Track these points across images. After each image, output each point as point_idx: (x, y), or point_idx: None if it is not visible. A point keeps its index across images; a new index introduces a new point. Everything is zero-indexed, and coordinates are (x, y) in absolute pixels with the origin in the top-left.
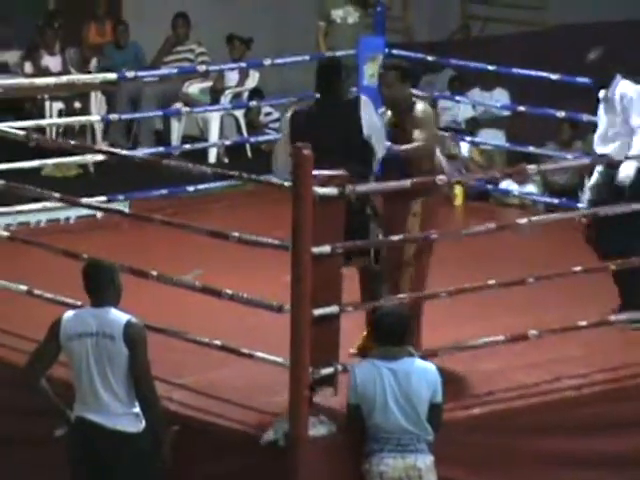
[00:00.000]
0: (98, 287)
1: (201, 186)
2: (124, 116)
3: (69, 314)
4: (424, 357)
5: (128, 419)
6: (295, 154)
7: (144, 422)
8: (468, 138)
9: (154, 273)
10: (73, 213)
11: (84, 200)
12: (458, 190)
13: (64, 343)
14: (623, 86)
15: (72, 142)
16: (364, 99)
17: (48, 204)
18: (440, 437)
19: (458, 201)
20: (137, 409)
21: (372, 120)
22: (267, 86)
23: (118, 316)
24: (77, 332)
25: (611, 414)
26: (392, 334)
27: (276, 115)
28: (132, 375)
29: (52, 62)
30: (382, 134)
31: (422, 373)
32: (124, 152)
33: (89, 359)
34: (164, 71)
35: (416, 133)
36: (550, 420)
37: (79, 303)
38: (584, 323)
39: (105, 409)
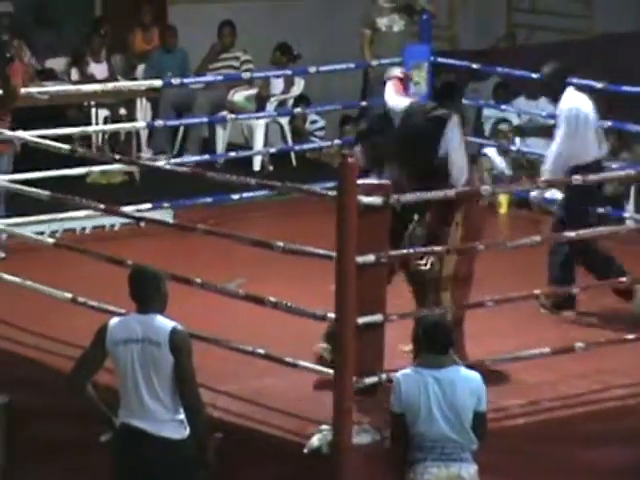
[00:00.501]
0: (144, 294)
1: (246, 194)
2: (169, 123)
3: (115, 320)
4: (469, 366)
5: (173, 426)
6: (340, 163)
7: (188, 429)
8: (513, 147)
9: (198, 280)
10: (118, 220)
11: (127, 209)
12: (503, 198)
13: (110, 349)
14: None
15: (115, 155)
16: (454, 119)
17: (93, 211)
18: (484, 446)
19: (503, 209)
20: (182, 416)
21: (452, 142)
22: (312, 93)
23: (164, 323)
24: (123, 338)
25: None
26: (437, 342)
27: (321, 123)
28: (177, 382)
29: (98, 69)
30: (459, 158)
31: (466, 382)
32: (167, 165)
33: (134, 365)
34: (209, 78)
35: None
36: (595, 430)
37: (123, 310)
38: (632, 336)
39: (150, 415)
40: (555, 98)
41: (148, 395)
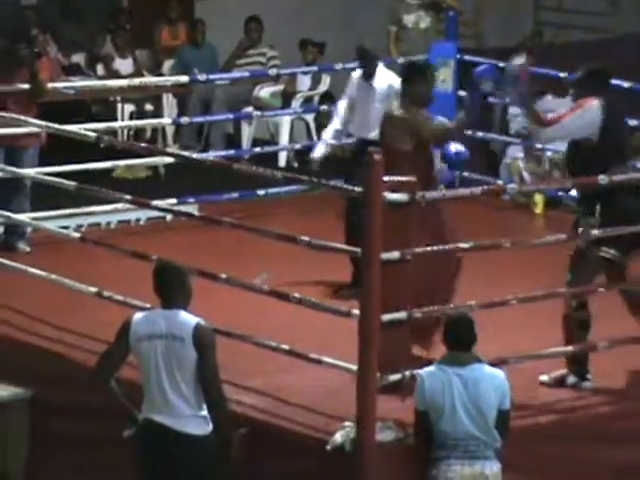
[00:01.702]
0: (168, 289)
1: (271, 190)
2: (195, 119)
3: (139, 315)
4: (493, 364)
5: (196, 422)
6: (367, 160)
7: (211, 425)
8: (538, 145)
9: (223, 276)
10: (143, 215)
11: (154, 202)
12: (539, 198)
13: (133, 344)
14: None
15: (142, 144)
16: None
17: (119, 206)
18: (508, 444)
19: (539, 209)
20: (205, 412)
21: None
22: (338, 90)
23: (188, 318)
24: (147, 333)
25: None
26: (460, 340)
27: None
28: (200, 378)
29: (124, 64)
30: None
31: (490, 379)
32: (194, 155)
33: (158, 361)
34: (236, 74)
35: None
36: (618, 430)
37: (148, 305)
38: None
39: (173, 411)
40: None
41: (171, 391)
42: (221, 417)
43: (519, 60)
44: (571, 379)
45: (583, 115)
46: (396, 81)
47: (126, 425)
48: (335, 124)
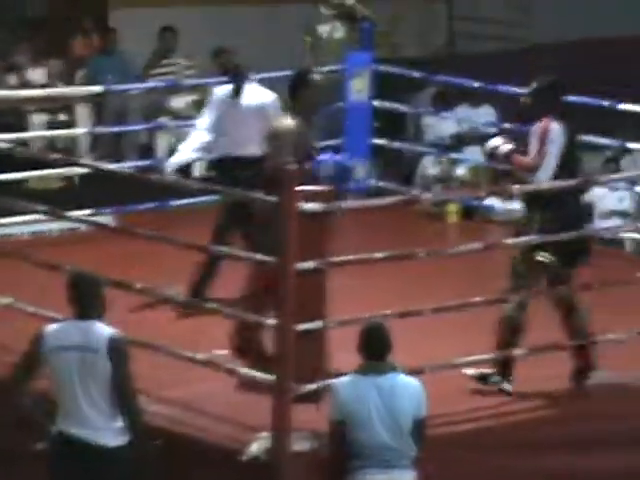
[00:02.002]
0: (83, 300)
1: (187, 200)
2: (110, 129)
3: (52, 326)
4: (409, 373)
5: (111, 433)
6: (281, 170)
7: (127, 437)
8: (453, 154)
9: (138, 286)
10: (57, 226)
11: (70, 213)
12: (453, 208)
13: (47, 356)
14: None
15: (55, 155)
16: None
17: (32, 217)
18: (426, 453)
19: (453, 219)
20: (120, 423)
21: None
22: None
23: (102, 330)
24: (60, 345)
25: (597, 432)
26: (376, 349)
27: None
28: (115, 389)
29: (36, 74)
30: None
31: (406, 388)
32: (110, 166)
33: (72, 372)
34: (151, 84)
35: None
36: (537, 437)
37: (61, 316)
38: (571, 343)
39: (87, 423)
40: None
41: (85, 402)
42: (136, 429)
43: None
44: (494, 378)
45: (556, 143)
46: (269, 97)
47: (40, 438)
48: (201, 137)
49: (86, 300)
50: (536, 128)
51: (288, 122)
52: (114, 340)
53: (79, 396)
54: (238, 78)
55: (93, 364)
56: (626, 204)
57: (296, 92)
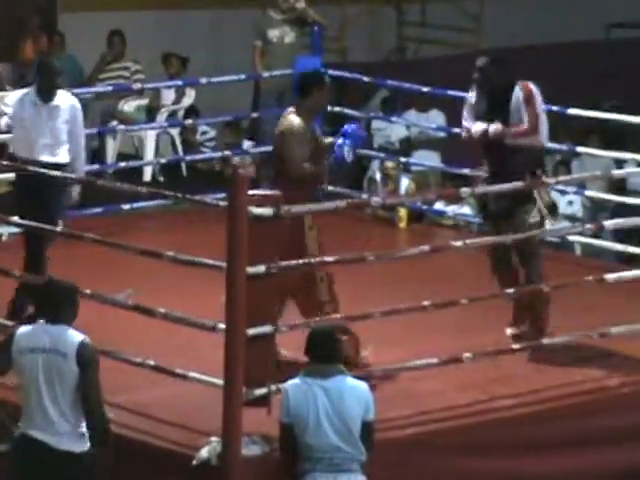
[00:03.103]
0: (57, 305)
1: (136, 205)
2: None
3: (23, 329)
4: (357, 377)
5: (74, 438)
6: (232, 174)
7: (89, 442)
8: (402, 159)
9: (87, 291)
10: (4, 231)
11: (14, 218)
12: (403, 212)
13: (15, 357)
14: None
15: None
16: None
17: None
18: (373, 457)
19: (403, 223)
20: (84, 429)
21: None
22: (203, 105)
23: (73, 335)
24: (29, 347)
25: (544, 435)
26: (324, 352)
27: (212, 134)
28: (82, 394)
29: None
30: None
31: (354, 391)
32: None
33: (38, 375)
34: (99, 88)
35: None
36: (484, 440)
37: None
38: (517, 346)
39: (51, 427)
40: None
41: (51, 406)
42: (100, 435)
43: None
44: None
45: (541, 104)
46: (75, 101)
47: (1, 439)
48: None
49: (61, 305)
50: (519, 96)
51: (297, 121)
52: (83, 346)
53: (44, 399)
54: (52, 78)
55: (61, 368)
56: (576, 208)
57: (308, 91)
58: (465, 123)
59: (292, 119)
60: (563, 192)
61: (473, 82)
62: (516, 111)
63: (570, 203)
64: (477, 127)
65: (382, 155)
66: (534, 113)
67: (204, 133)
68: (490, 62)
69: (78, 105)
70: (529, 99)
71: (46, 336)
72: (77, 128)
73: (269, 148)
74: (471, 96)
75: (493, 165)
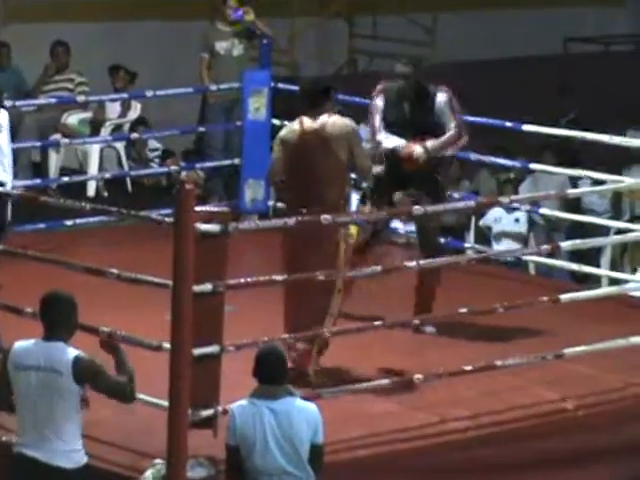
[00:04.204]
0: (54, 320)
1: (79, 220)
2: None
3: (20, 344)
4: (307, 398)
5: (68, 455)
6: (177, 189)
7: (84, 459)
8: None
9: (29, 310)
10: None
11: None
12: (354, 229)
13: (11, 373)
14: None
15: None
16: None
17: None
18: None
19: (354, 240)
20: (79, 445)
21: None
22: (149, 118)
23: (67, 352)
24: (23, 364)
25: (497, 457)
26: (272, 372)
27: (160, 150)
28: (111, 396)
29: None
30: None
31: (303, 413)
32: None
33: (32, 392)
34: (42, 100)
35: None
36: (437, 463)
37: None
38: (469, 367)
39: (45, 444)
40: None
41: (46, 423)
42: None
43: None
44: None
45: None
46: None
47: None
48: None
49: (58, 320)
50: (441, 101)
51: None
52: (79, 362)
53: (39, 416)
54: None
55: (57, 386)
56: (522, 226)
57: (318, 102)
58: (381, 137)
59: (345, 119)
60: (510, 210)
61: (381, 91)
62: (439, 116)
63: (517, 221)
64: (395, 143)
65: None
66: (457, 117)
67: (153, 150)
68: (413, 69)
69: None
70: (451, 103)
71: (40, 353)
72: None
73: (216, 163)
74: (380, 104)
75: (402, 176)
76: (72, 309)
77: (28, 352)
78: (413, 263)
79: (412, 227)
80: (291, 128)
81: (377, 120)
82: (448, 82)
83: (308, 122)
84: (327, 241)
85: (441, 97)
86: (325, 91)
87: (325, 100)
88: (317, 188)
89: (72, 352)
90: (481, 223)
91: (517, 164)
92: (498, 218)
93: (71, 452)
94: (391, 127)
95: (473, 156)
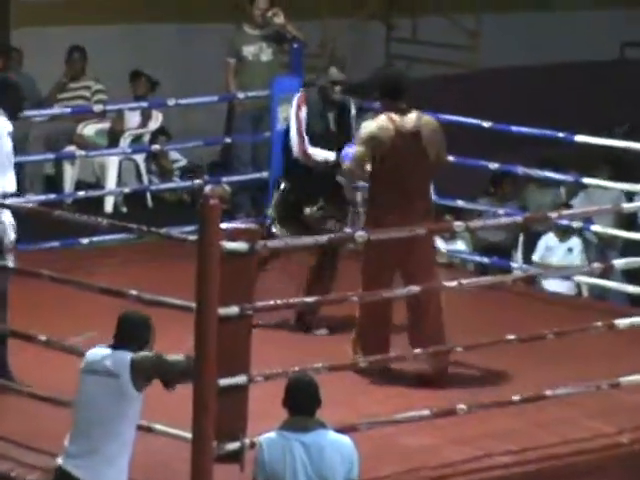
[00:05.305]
0: (123, 336)
1: (96, 238)
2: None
3: (92, 350)
4: (340, 431)
5: (111, 473)
6: (201, 204)
7: (126, 476)
8: None
9: (42, 338)
10: None
11: None
12: None
13: (80, 375)
14: None
15: None
16: None
17: None
18: None
19: None
20: (123, 463)
21: None
22: (171, 128)
23: (127, 355)
24: (86, 368)
25: None
26: (303, 404)
27: (183, 162)
28: (163, 380)
29: None
30: None
31: (336, 446)
32: (8, 201)
33: (89, 398)
34: (57, 110)
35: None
36: None
37: None
38: (517, 398)
39: (90, 457)
40: None
41: (96, 431)
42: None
43: None
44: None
45: None
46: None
47: None
48: None
49: (126, 337)
50: (354, 111)
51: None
52: (134, 358)
53: (90, 423)
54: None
55: (113, 390)
56: (576, 257)
57: (405, 91)
58: (312, 150)
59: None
60: (565, 232)
61: (304, 101)
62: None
63: (570, 250)
64: (324, 155)
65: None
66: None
67: (175, 162)
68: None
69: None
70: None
71: (104, 358)
72: None
73: (243, 176)
74: (304, 114)
75: (325, 190)
76: (144, 329)
77: (95, 357)
78: (454, 283)
79: (454, 246)
80: (382, 124)
81: (303, 132)
82: (492, 90)
83: (398, 119)
84: (427, 245)
85: (353, 109)
86: (407, 79)
87: (408, 89)
88: (417, 185)
89: (129, 355)
90: (534, 258)
91: (568, 178)
92: (550, 247)
93: (114, 467)
94: (315, 139)
95: (520, 169)
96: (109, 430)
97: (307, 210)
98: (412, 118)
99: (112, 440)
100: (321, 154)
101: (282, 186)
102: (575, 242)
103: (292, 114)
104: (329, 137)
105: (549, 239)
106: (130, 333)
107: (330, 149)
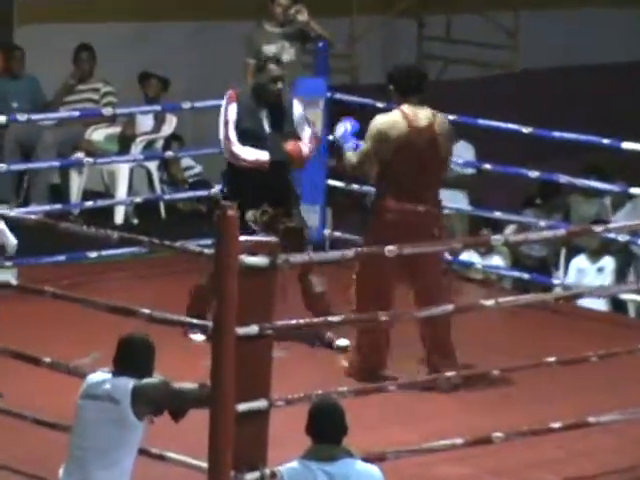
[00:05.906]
0: (124, 362)
1: (105, 252)
2: (13, 167)
3: (92, 375)
4: (368, 460)
5: None
6: (218, 215)
7: None
8: None
9: (47, 360)
10: None
11: None
12: None
13: (79, 402)
14: None
15: None
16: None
17: None
18: None
19: None
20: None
21: None
22: (184, 134)
23: (130, 382)
24: (84, 393)
25: None
26: (327, 431)
27: (198, 169)
28: (173, 407)
29: None
30: None
31: (364, 477)
32: (12, 212)
33: (85, 422)
34: (63, 114)
35: None
36: None
37: None
38: (558, 425)
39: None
40: None
41: (93, 459)
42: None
43: None
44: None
45: None
46: None
47: None
48: None
49: (126, 362)
50: (301, 110)
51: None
52: (137, 384)
53: (87, 450)
54: None
55: (112, 417)
56: (606, 277)
57: (420, 88)
58: (238, 149)
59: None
60: (598, 252)
61: (234, 98)
62: (298, 126)
63: (600, 270)
64: (255, 155)
65: None
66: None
67: (188, 169)
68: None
69: None
70: (305, 115)
71: (105, 384)
72: None
73: None
74: (233, 112)
75: (272, 194)
76: (147, 354)
77: (96, 381)
78: (491, 302)
79: (490, 261)
80: (392, 120)
81: (230, 130)
82: (530, 91)
83: (411, 114)
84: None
85: (298, 107)
86: (425, 76)
87: (425, 86)
88: (428, 180)
89: (131, 381)
90: (567, 282)
91: (615, 188)
92: (581, 269)
93: None
94: (246, 138)
95: (563, 178)
96: (107, 458)
97: (249, 214)
98: (425, 114)
99: (109, 469)
100: (252, 154)
101: (224, 191)
102: (607, 261)
103: (221, 113)
104: (262, 136)
105: (580, 261)
106: (131, 359)
107: (263, 149)
